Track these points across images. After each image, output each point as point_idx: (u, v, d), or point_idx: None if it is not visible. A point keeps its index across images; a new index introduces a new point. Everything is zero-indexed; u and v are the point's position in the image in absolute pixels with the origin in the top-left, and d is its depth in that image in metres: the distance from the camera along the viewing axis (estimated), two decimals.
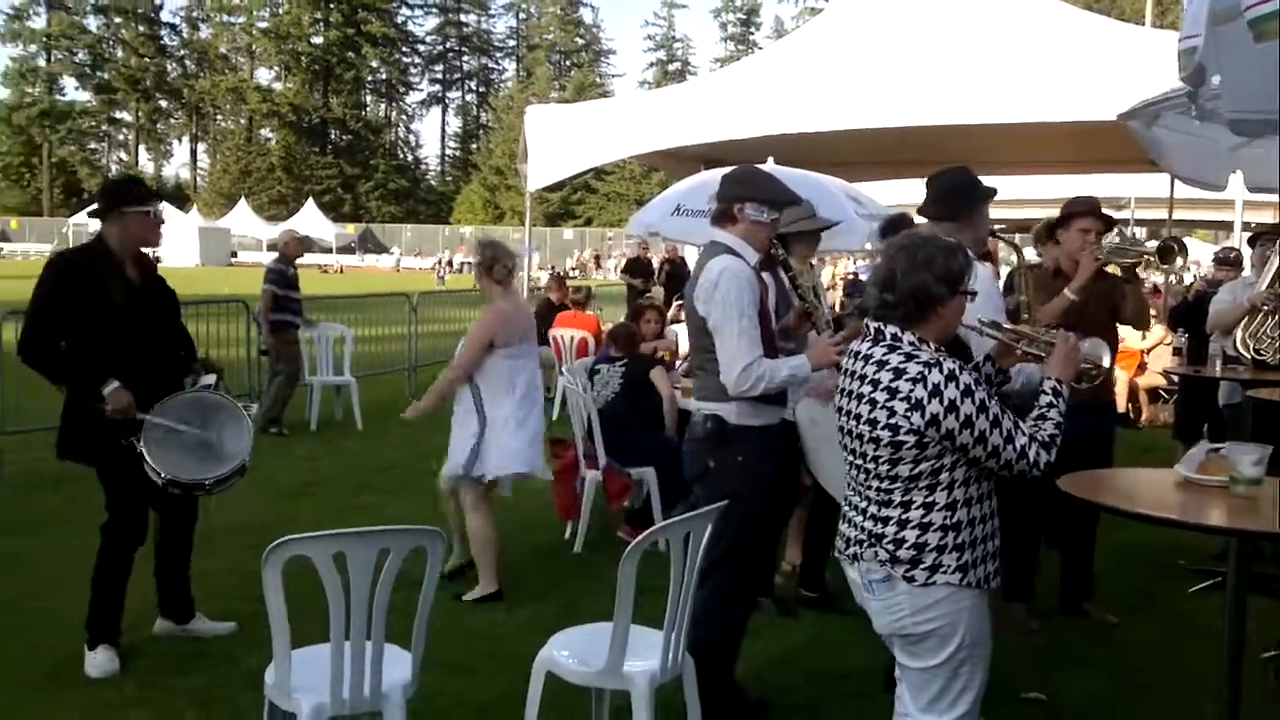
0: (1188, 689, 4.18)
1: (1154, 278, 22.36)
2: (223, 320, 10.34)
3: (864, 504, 2.76)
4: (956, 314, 2.74)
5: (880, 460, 2.65)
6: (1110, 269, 4.72)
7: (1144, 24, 19.77)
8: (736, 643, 3.83)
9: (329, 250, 55.53)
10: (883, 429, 2.61)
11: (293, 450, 8.88)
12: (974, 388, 2.58)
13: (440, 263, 46.56)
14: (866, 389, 2.66)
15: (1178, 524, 2.88)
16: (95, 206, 4.45)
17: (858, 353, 2.76)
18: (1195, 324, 6.42)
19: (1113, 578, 5.48)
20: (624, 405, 6.33)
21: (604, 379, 6.43)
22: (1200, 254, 26.66)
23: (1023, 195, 14.72)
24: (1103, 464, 4.48)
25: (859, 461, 2.74)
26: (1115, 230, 5.07)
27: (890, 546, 2.66)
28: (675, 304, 11.64)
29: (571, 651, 3.40)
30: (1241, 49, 2.34)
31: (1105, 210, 4.90)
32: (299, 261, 10.09)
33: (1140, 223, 18.49)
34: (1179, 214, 13.30)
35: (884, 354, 2.67)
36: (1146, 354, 10.96)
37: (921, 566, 2.64)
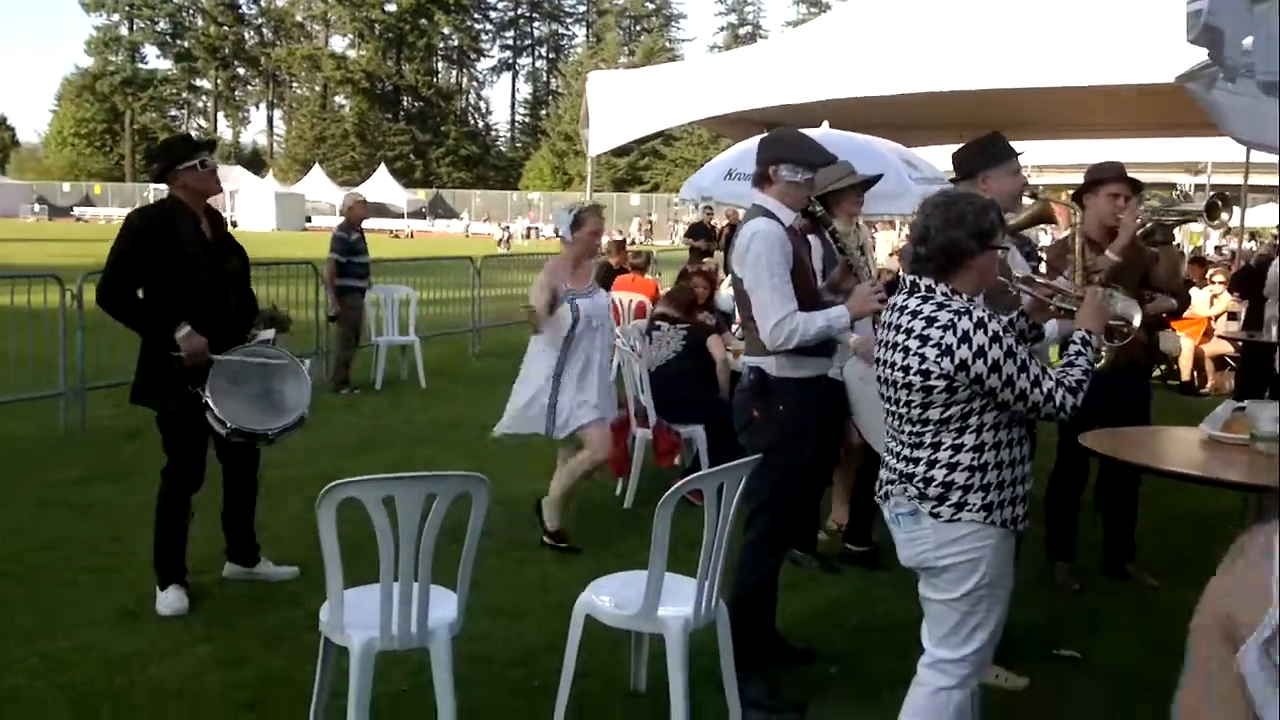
0: None
1: (1231, 245, 21.83)
2: (292, 282, 10.62)
3: (898, 448, 2.91)
4: (989, 268, 2.87)
5: (913, 405, 2.80)
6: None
7: None
8: (773, 590, 3.94)
9: (400, 215, 56.22)
10: (915, 374, 2.76)
11: (358, 408, 9.15)
12: (1002, 334, 2.71)
13: (506, 230, 46.74)
14: (900, 338, 2.81)
15: (1197, 479, 2.93)
16: (154, 172, 4.65)
17: (895, 305, 2.91)
18: (1256, 290, 6.34)
19: (1155, 541, 5.48)
20: (681, 366, 6.44)
21: (665, 337, 6.52)
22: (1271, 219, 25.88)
23: (1092, 159, 14.46)
24: (1140, 424, 4.50)
25: (893, 407, 2.90)
26: (1177, 194, 5.04)
27: (920, 485, 2.81)
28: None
29: (610, 596, 3.55)
30: (1270, 10, 2.35)
31: (1183, 175, 4.86)
32: (367, 225, 10.31)
33: (1215, 187, 18.01)
34: (1254, 178, 12.96)
35: (917, 304, 2.82)
36: (1214, 320, 10.77)
37: (948, 503, 2.78)
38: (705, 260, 10.28)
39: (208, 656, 4.09)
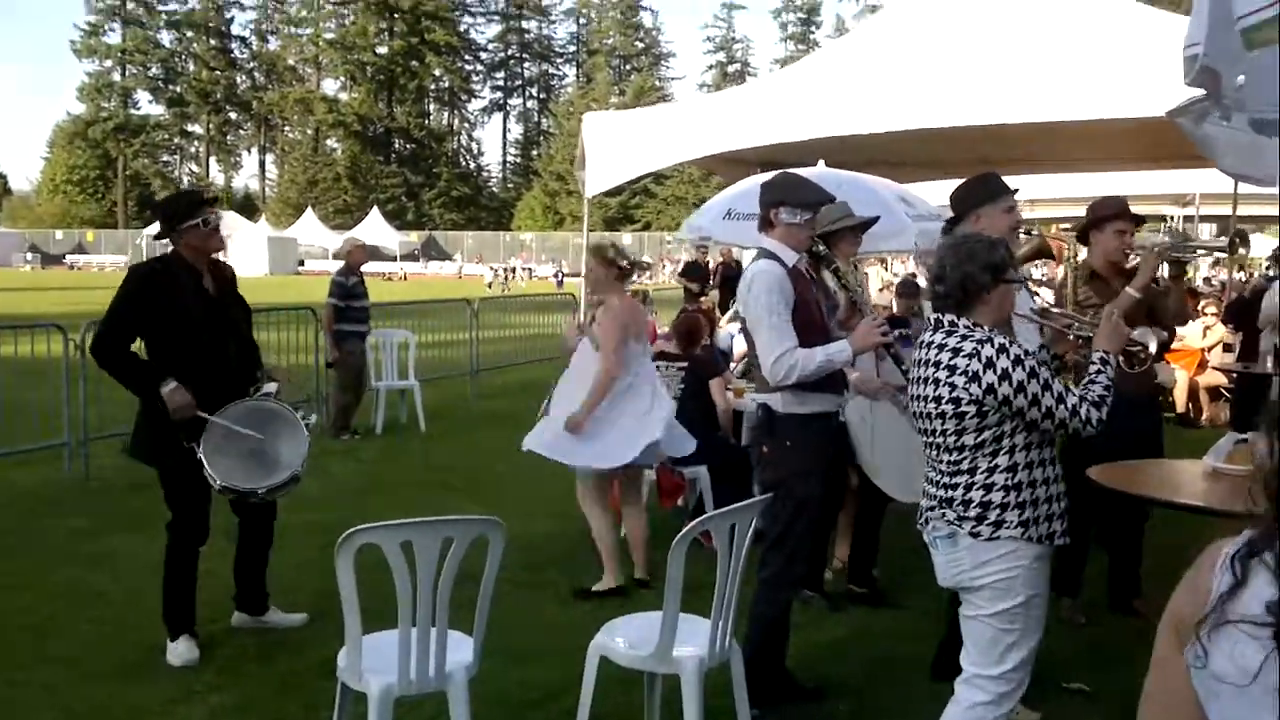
0: None
1: (1220, 275, 21.97)
2: (290, 328, 10.66)
3: (937, 476, 3.06)
4: (1005, 300, 3.07)
5: (948, 433, 2.96)
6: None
7: None
8: (785, 629, 3.97)
9: (393, 258, 56.40)
10: (947, 403, 2.93)
11: (358, 454, 9.16)
12: (1024, 357, 2.88)
13: (502, 271, 46.81)
14: (930, 371, 2.98)
15: (1202, 510, 2.99)
16: (157, 231, 4.65)
17: (924, 343, 3.07)
18: (1249, 320, 6.41)
19: (1161, 577, 5.49)
20: (682, 408, 6.45)
21: (665, 380, 6.55)
22: (1266, 250, 26.11)
23: (1084, 193, 14.58)
24: (1154, 456, 4.56)
25: (930, 439, 3.05)
26: (1168, 228, 5.14)
27: (960, 508, 2.96)
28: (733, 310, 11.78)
29: (624, 637, 3.57)
30: (1268, 50, 2.42)
31: (1171, 206, 4.96)
32: (364, 269, 10.37)
33: (1206, 218, 18.18)
34: (1244, 209, 13.09)
35: (943, 339, 3.00)
36: (1207, 352, 10.85)
37: (986, 522, 2.93)
38: (701, 299, 10.36)
39: (219, 706, 4.10)
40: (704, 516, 3.34)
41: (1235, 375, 7.70)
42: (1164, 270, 4.84)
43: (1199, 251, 4.89)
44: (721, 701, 3.67)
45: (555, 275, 44.44)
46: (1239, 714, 1.19)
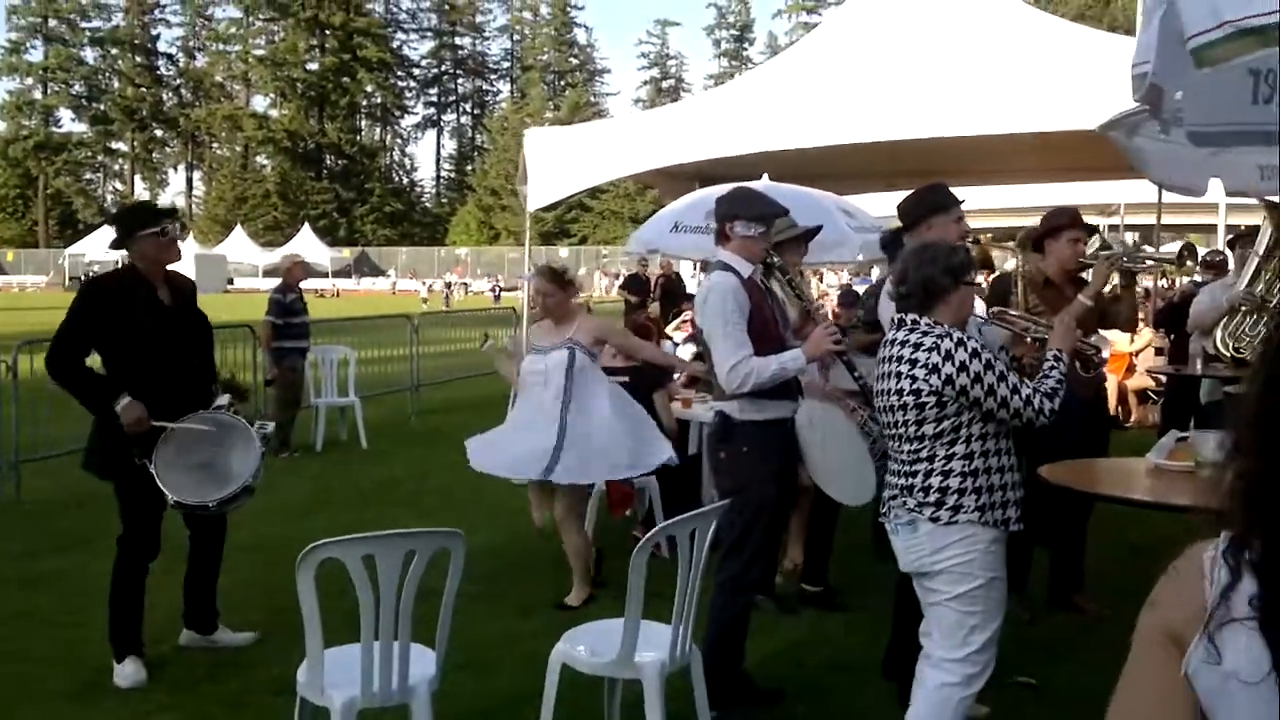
0: None
1: (1144, 282, 22.48)
2: (229, 346, 10.50)
3: (898, 466, 3.21)
4: (964, 302, 3.24)
5: (909, 423, 3.11)
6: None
7: (1134, 33, 20.03)
8: (743, 632, 4.02)
9: (325, 274, 55.74)
10: (908, 395, 3.08)
11: (300, 471, 9.05)
12: (980, 350, 3.05)
13: (444, 287, 46.46)
14: (893, 366, 3.14)
15: (1146, 504, 3.12)
16: (114, 238, 4.62)
17: (888, 340, 3.23)
18: (1179, 325, 6.61)
19: (1102, 572, 5.66)
20: None
21: None
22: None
23: (1017, 204, 14.93)
24: (1099, 455, 4.71)
25: (892, 430, 3.20)
26: (1136, 239, 5.32)
27: (920, 494, 3.11)
28: (675, 321, 11.86)
29: (585, 645, 3.59)
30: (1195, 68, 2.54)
31: (1097, 215, 5.14)
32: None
33: (1130, 227, 18.71)
34: (1167, 218, 13.51)
35: (905, 335, 3.17)
36: (1135, 356, 11.17)
37: (945, 507, 3.07)
38: (643, 311, 10.43)
39: None
40: (667, 522, 3.37)
41: (1165, 378, 7.94)
42: (1115, 279, 4.99)
43: (1149, 262, 5.07)
44: (680, 705, 3.70)
45: (493, 290, 44.32)
46: (1247, 712, 1.19)
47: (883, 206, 11.97)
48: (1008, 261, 5.13)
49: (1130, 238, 19.17)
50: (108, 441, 4.39)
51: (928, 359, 3.06)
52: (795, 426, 4.95)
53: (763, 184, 7.54)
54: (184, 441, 4.41)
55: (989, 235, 6.13)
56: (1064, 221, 4.89)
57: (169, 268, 4.60)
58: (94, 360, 4.49)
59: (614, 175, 10.19)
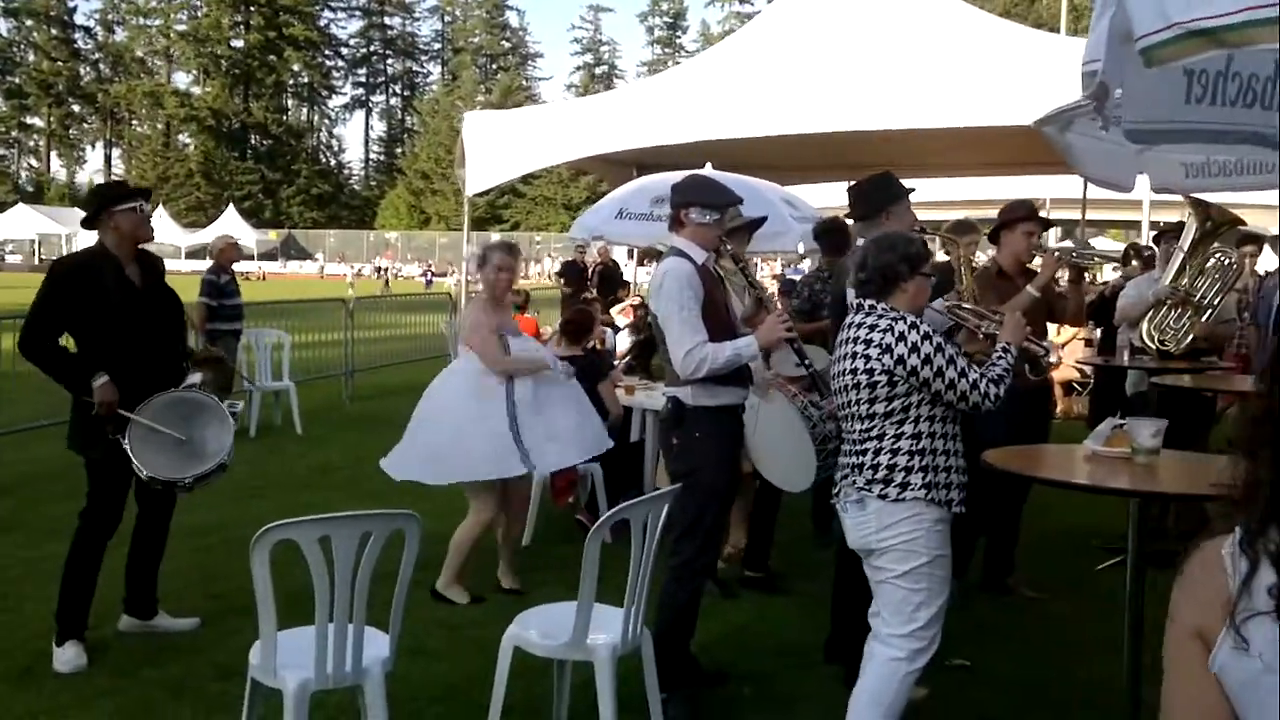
0: (1100, 655, 4.51)
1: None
2: None
3: (849, 445, 3.32)
4: (920, 290, 3.36)
5: (861, 402, 3.23)
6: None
7: (1059, 30, 20.47)
8: (694, 615, 4.08)
9: (250, 257, 54.70)
10: (861, 374, 3.20)
11: (235, 455, 8.89)
12: (932, 335, 3.17)
13: (382, 271, 45.70)
14: (849, 348, 3.26)
15: (1086, 488, 3.24)
16: (85, 216, 4.60)
17: (846, 324, 3.35)
18: (1108, 318, 6.82)
19: (1035, 557, 5.83)
20: None
21: None
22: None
23: (948, 197, 15.22)
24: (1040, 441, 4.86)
25: (845, 410, 3.32)
26: (1060, 235, 5.47)
27: (869, 472, 3.21)
28: (619, 306, 11.88)
29: (537, 628, 3.62)
30: (1140, 66, 2.64)
31: None
32: None
33: (1056, 222, 19.13)
34: (1091, 214, 13.85)
35: (862, 319, 3.28)
36: (1061, 348, 11.46)
37: (893, 484, 3.18)
38: (579, 299, 10.44)
39: (115, 711, 3.99)
40: (622, 505, 3.40)
41: (1095, 369, 8.18)
42: (1064, 274, 5.15)
43: (1096, 258, 5.29)
44: (628, 687, 3.75)
45: (424, 275, 43.86)
46: (1273, 701, 1.21)
47: (824, 197, 12.18)
48: (938, 253, 5.24)
49: (1054, 233, 19.63)
50: (85, 419, 4.37)
51: (881, 339, 3.18)
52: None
53: (708, 173, 7.60)
54: (158, 418, 4.39)
55: (935, 226, 6.28)
56: (1020, 214, 5.03)
57: (139, 247, 4.59)
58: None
59: (554, 161, 10.20)
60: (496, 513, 5.35)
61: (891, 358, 3.15)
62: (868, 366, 3.20)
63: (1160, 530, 5.55)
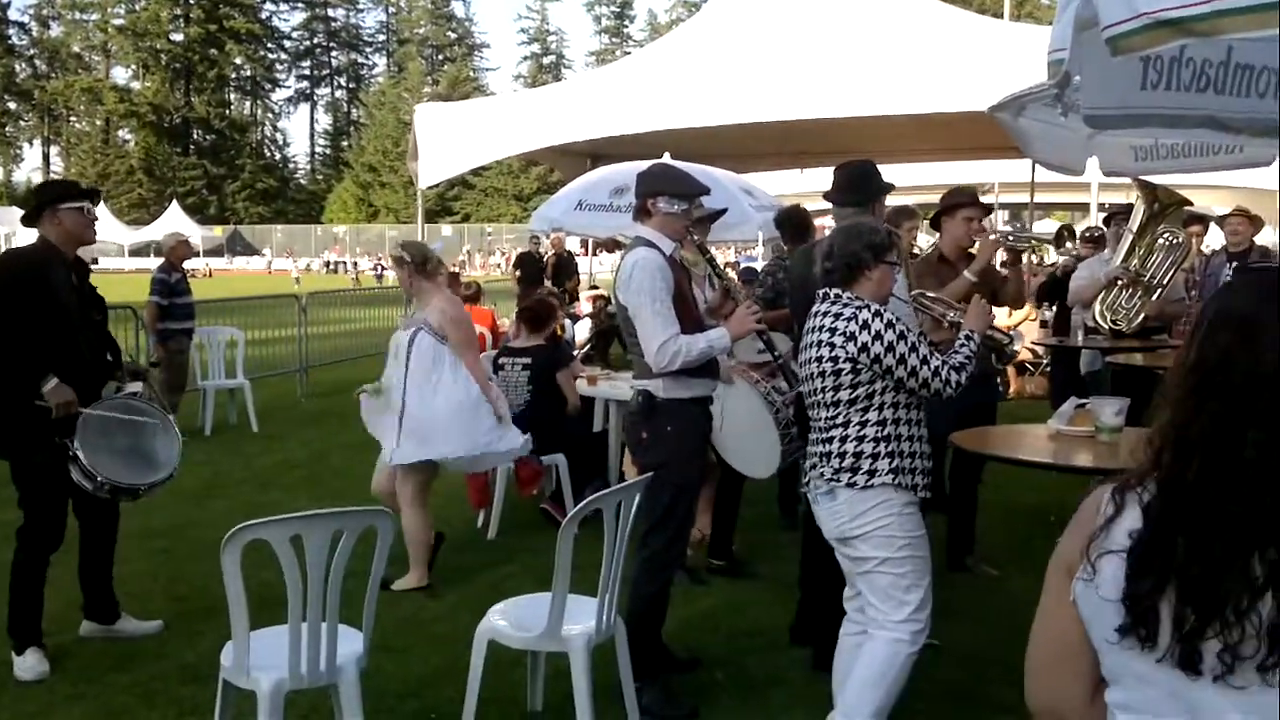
0: None
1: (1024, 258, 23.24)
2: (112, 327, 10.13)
3: (816, 434, 3.36)
4: (885, 279, 3.39)
5: (826, 389, 3.27)
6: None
7: (1003, 17, 20.71)
8: (665, 604, 4.10)
9: (196, 254, 53.85)
10: (826, 362, 3.24)
11: (190, 455, 8.62)
12: (895, 323, 3.22)
13: (352, 266, 44.78)
14: (815, 336, 3.30)
15: (1051, 466, 3.31)
16: (26, 213, 4.48)
17: (813, 313, 3.38)
18: (1061, 298, 6.93)
19: (991, 536, 5.92)
20: (534, 403, 6.47)
21: (512, 380, 6.51)
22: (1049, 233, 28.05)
23: (899, 182, 15.29)
24: (989, 424, 4.92)
25: (812, 398, 3.36)
26: (1007, 218, 5.55)
27: (837, 460, 3.25)
28: (587, 294, 11.90)
29: (511, 620, 3.63)
30: (1099, 53, 2.69)
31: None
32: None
33: (1004, 206, 19.42)
34: (1039, 197, 14.07)
35: (828, 308, 3.32)
36: (1013, 329, 11.63)
37: (861, 472, 3.22)
38: (535, 290, 10.40)
39: (82, 717, 3.94)
40: (595, 495, 3.41)
41: (1050, 349, 8.32)
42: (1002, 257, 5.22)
43: (1032, 241, 5.38)
44: (602, 676, 3.77)
45: (374, 269, 43.41)
46: (1109, 625, 1.37)
47: (781, 185, 12.23)
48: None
49: (1002, 216, 19.91)
50: (21, 422, 4.22)
51: (846, 328, 3.23)
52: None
53: (667, 162, 7.61)
54: (105, 425, 4.31)
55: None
56: (961, 200, 5.10)
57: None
58: None
59: (509, 152, 10.16)
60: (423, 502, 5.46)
61: (855, 345, 3.20)
62: (833, 354, 3.24)
63: None
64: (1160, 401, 1.42)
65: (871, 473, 3.22)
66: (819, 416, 3.36)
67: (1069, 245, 5.58)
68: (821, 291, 3.42)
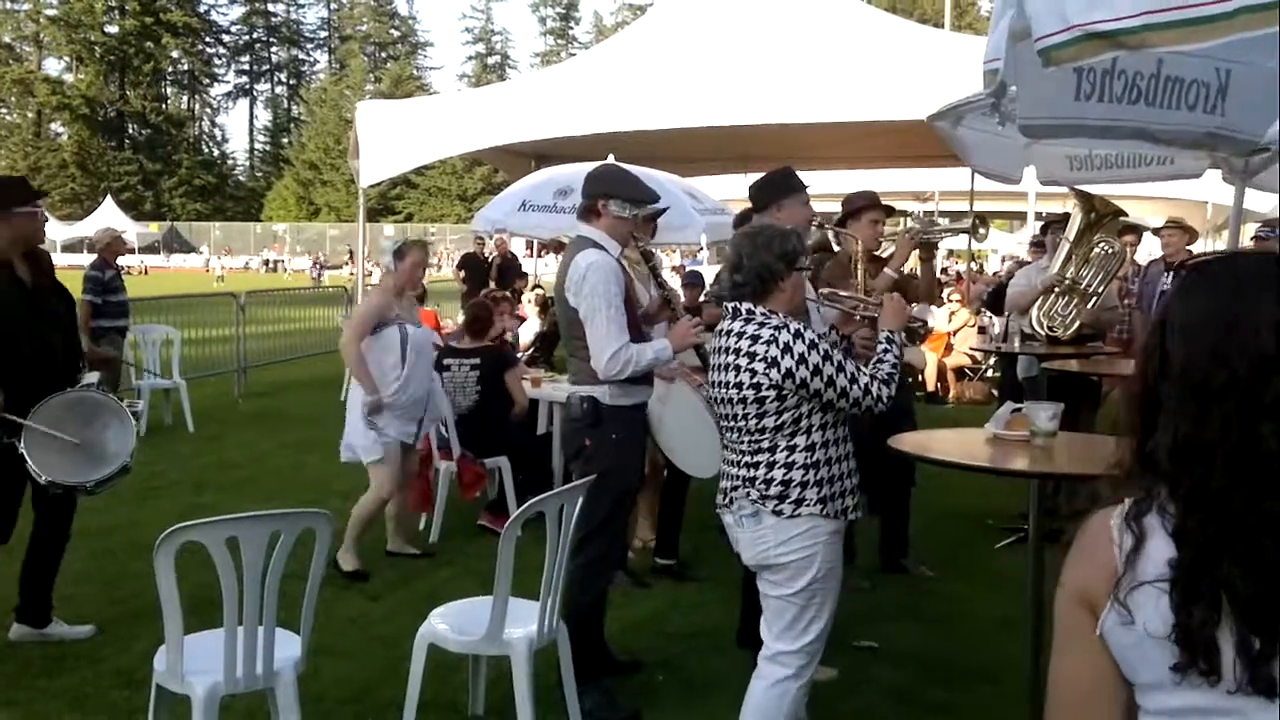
0: (999, 631, 4.68)
1: (956, 266, 23.73)
2: None
3: (737, 457, 3.16)
4: (797, 287, 3.22)
5: (749, 416, 3.07)
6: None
7: (944, 27, 21.02)
8: (603, 610, 4.11)
9: (131, 251, 52.82)
10: (748, 389, 3.04)
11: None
12: (818, 342, 3.04)
13: (317, 266, 43.91)
14: (730, 358, 3.10)
15: (989, 470, 3.34)
16: None
17: (723, 330, 3.18)
18: (1002, 304, 7.05)
19: (928, 538, 6.01)
20: (482, 404, 6.46)
21: (458, 381, 6.48)
22: (998, 243, 28.45)
23: (841, 189, 15.46)
24: (909, 428, 4.97)
25: (731, 422, 3.15)
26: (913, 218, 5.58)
27: (762, 486, 3.08)
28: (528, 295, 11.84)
29: (452, 624, 3.61)
30: (1034, 64, 2.74)
31: (913, 201, 5.42)
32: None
33: (945, 213, 19.68)
34: (979, 205, 14.28)
35: (741, 326, 3.12)
36: (953, 335, 11.81)
37: (788, 500, 3.06)
38: (480, 292, 10.35)
39: None
40: (539, 498, 3.39)
41: (991, 354, 8.44)
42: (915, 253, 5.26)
43: (946, 234, 5.44)
44: (543, 679, 3.76)
45: (314, 268, 42.90)
46: (1157, 663, 1.27)
47: (725, 189, 12.30)
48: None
49: (945, 222, 20.20)
50: None
51: (766, 352, 3.01)
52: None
53: (608, 164, 7.63)
54: (55, 420, 4.22)
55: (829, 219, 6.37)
56: (864, 203, 5.09)
57: None
58: None
59: (452, 151, 10.10)
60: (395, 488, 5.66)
61: (779, 371, 2.99)
62: (754, 381, 3.03)
63: (1052, 509, 5.77)
64: (1115, 415, 1.38)
65: (799, 501, 3.05)
66: (740, 441, 3.14)
67: (982, 232, 5.62)
68: (731, 306, 3.18)
